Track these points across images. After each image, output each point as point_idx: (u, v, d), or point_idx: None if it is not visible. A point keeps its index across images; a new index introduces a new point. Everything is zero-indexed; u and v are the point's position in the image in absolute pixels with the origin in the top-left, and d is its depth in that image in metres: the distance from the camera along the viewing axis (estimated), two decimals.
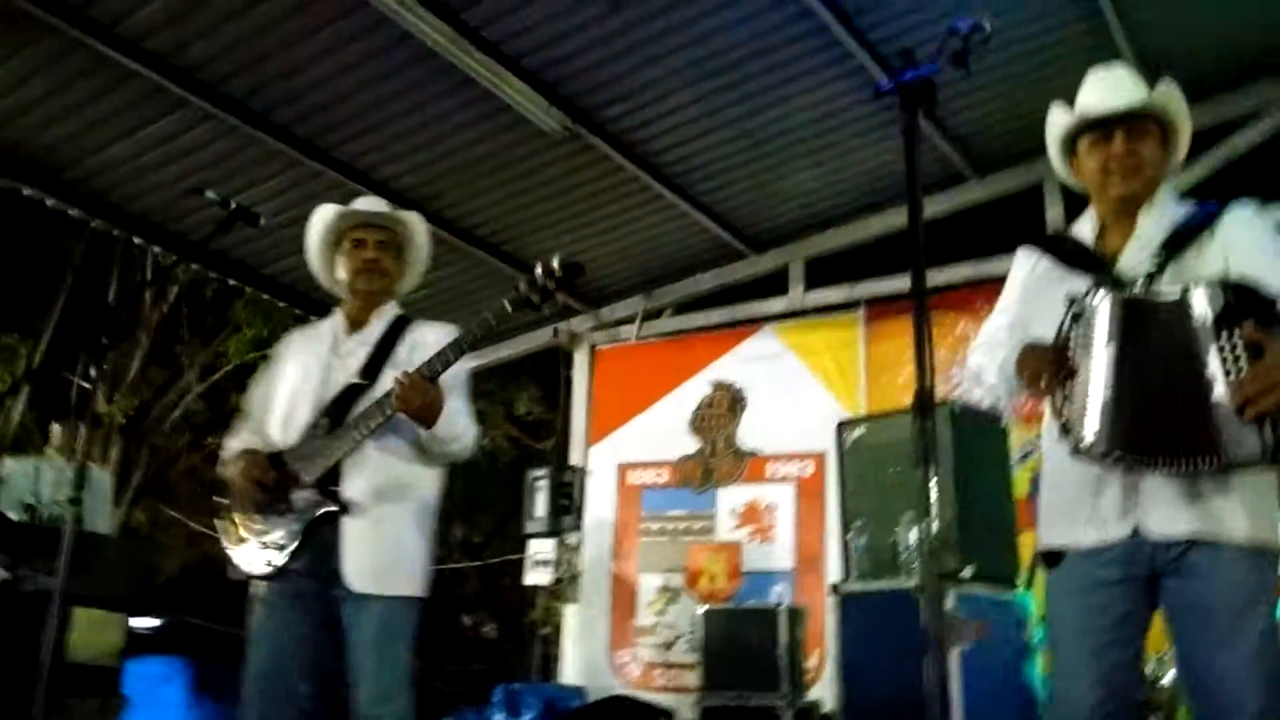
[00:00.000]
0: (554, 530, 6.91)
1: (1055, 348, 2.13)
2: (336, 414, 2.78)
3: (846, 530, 4.37)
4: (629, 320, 7.33)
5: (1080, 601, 2.16)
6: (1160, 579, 2.11)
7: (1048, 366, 2.13)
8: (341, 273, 3.00)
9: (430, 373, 2.67)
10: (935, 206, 5.94)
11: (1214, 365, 1.97)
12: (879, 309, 6.37)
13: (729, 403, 6.70)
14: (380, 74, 4.98)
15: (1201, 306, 2.00)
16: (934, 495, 1.65)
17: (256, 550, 2.76)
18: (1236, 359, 1.95)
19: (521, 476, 7.27)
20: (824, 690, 4.82)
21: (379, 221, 3.00)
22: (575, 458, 7.21)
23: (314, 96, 5.12)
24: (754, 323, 6.87)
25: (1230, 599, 2.02)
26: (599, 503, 6.91)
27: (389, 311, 3.00)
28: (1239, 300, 1.98)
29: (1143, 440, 2.03)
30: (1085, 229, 2.37)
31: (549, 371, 9.34)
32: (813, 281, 6.77)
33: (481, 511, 13.84)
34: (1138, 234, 2.26)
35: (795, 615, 4.79)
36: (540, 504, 6.96)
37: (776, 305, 6.86)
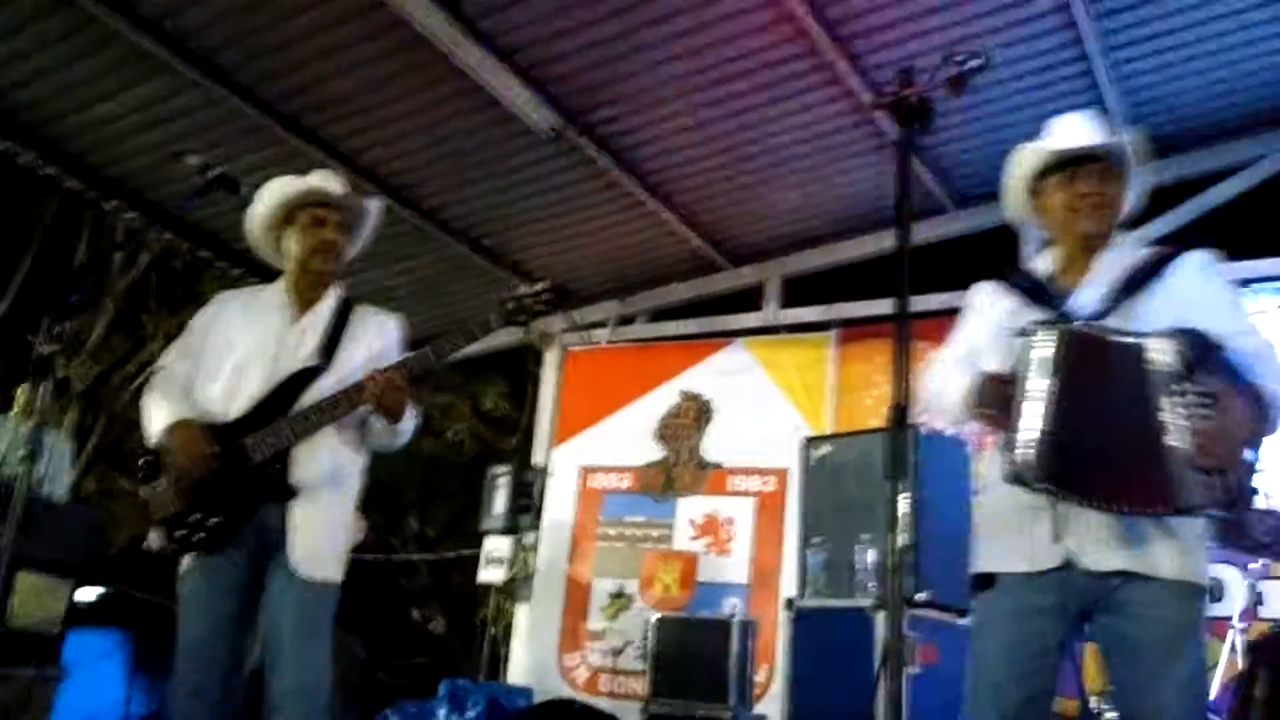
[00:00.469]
0: (511, 528, 6.89)
1: (1005, 379, 2.18)
2: (289, 394, 2.77)
3: (805, 546, 4.38)
4: (602, 324, 7.33)
5: (1012, 625, 2.19)
6: (1092, 614, 2.17)
7: (998, 397, 2.17)
8: (293, 247, 2.92)
9: (411, 373, 2.71)
10: (915, 235, 5.95)
11: (1168, 414, 1.99)
12: (851, 331, 6.42)
13: (696, 413, 6.71)
14: (372, 57, 4.95)
15: (1160, 355, 2.03)
16: (903, 510, 1.66)
17: (189, 524, 2.72)
18: (1191, 410, 1.98)
19: (482, 472, 7.24)
20: (771, 705, 4.83)
21: (346, 204, 2.96)
22: (538, 457, 7.19)
23: (303, 74, 5.09)
24: (726, 336, 6.89)
25: (1162, 635, 2.08)
26: (558, 504, 6.90)
27: (335, 291, 2.98)
28: (1197, 351, 2.02)
29: (1083, 477, 2.07)
30: (1043, 266, 2.43)
31: (518, 369, 9.32)
32: (788, 299, 6.81)
33: (439, 505, 13.75)
34: (1093, 274, 2.31)
35: (747, 628, 4.79)
36: (499, 501, 6.94)
37: (750, 320, 6.89)
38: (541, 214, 6.30)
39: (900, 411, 1.80)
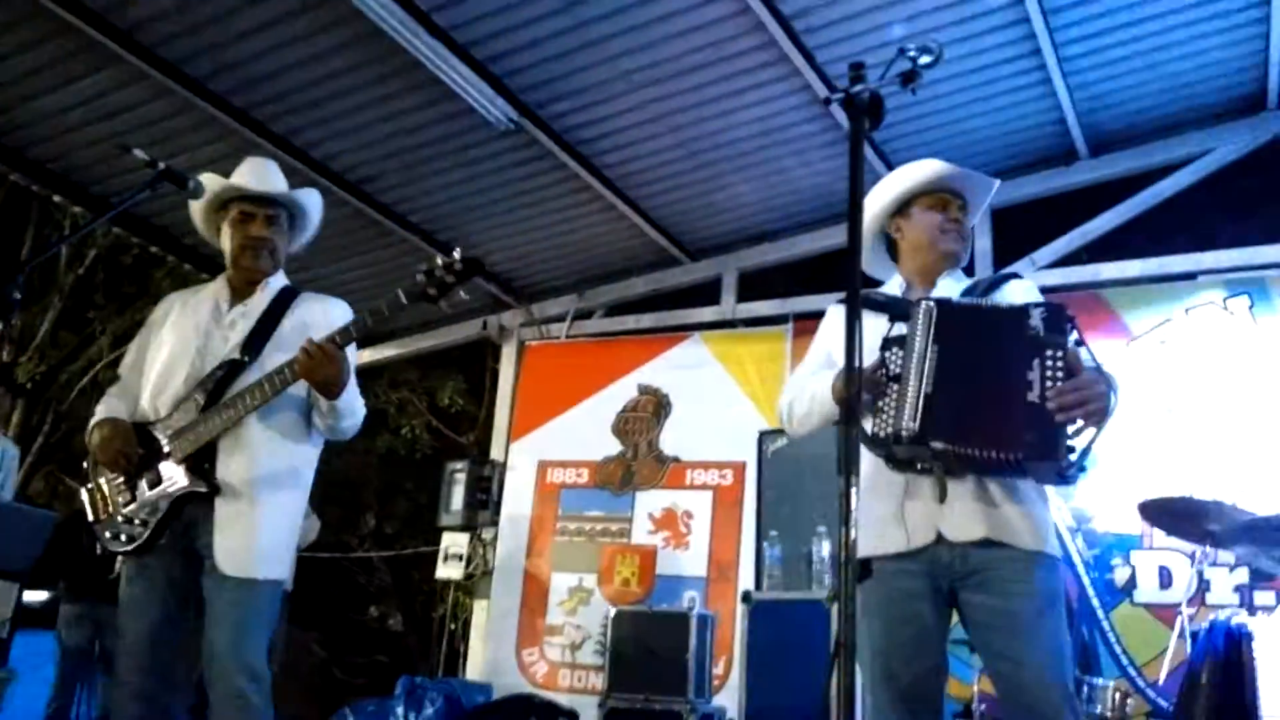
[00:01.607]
0: (469, 524, 6.86)
1: (871, 367, 2.30)
2: (214, 390, 2.67)
3: (762, 539, 4.41)
4: (559, 318, 7.33)
5: (892, 613, 2.31)
6: (958, 593, 2.31)
7: (865, 383, 2.26)
8: (225, 243, 2.87)
9: (342, 341, 2.57)
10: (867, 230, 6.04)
11: (1035, 372, 2.17)
12: (807, 325, 6.44)
13: (654, 407, 6.72)
14: (326, 50, 4.90)
15: (1036, 321, 2.22)
16: (855, 502, 1.68)
17: (120, 524, 2.67)
18: (1057, 371, 2.16)
19: (440, 468, 7.20)
20: (729, 696, 4.85)
21: (271, 199, 2.87)
22: (496, 452, 7.17)
23: (256, 67, 5.02)
24: (683, 330, 6.91)
25: (1028, 605, 2.23)
26: (517, 499, 6.88)
27: (276, 282, 2.88)
28: (1066, 324, 2.21)
29: (961, 428, 2.22)
30: (893, 288, 2.65)
31: (475, 364, 9.28)
32: (744, 293, 6.85)
33: (396, 502, 13.66)
34: (938, 290, 2.52)
35: (705, 621, 4.81)
36: (457, 497, 6.91)
37: (707, 314, 6.91)
38: (499, 208, 6.27)
39: (850, 407, 1.81)
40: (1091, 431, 2.16)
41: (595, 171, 5.91)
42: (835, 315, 2.67)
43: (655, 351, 6.88)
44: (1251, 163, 5.73)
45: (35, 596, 6.83)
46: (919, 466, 2.29)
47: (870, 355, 2.31)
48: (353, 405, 2.71)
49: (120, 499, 2.69)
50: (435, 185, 6.01)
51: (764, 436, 4.73)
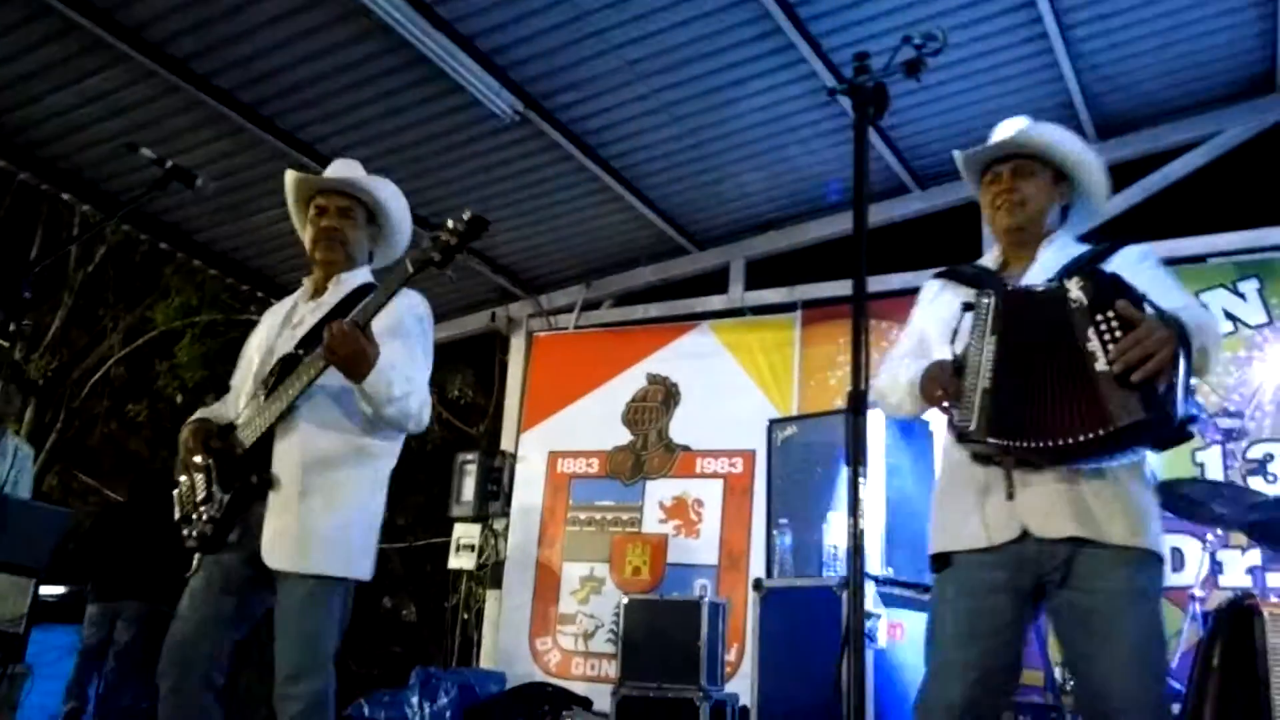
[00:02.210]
0: (481, 515, 6.89)
1: (954, 363, 2.23)
2: (273, 385, 2.68)
3: (772, 527, 4.42)
4: (568, 309, 7.34)
5: (968, 604, 2.22)
6: (1045, 587, 2.19)
7: (946, 381, 2.22)
8: (306, 240, 2.92)
9: (361, 320, 2.52)
10: (876, 215, 6.05)
11: (1094, 342, 2.03)
12: (815, 312, 6.46)
13: (663, 397, 6.74)
14: (331, 45, 4.91)
15: (1077, 292, 2.09)
16: (864, 492, 1.68)
17: (195, 522, 2.69)
18: (1114, 333, 2.02)
19: (450, 460, 7.23)
20: (741, 684, 4.87)
21: (338, 188, 2.89)
22: (506, 443, 7.19)
23: (262, 63, 5.03)
24: (692, 319, 6.92)
25: (1110, 604, 2.10)
26: (527, 490, 6.90)
27: (354, 279, 2.85)
28: (1111, 285, 2.08)
29: (1022, 423, 2.10)
30: (988, 261, 2.53)
31: (484, 356, 9.28)
32: (752, 282, 6.84)
33: (407, 494, 13.70)
34: (1037, 265, 2.39)
35: (717, 609, 4.82)
36: (468, 488, 6.94)
37: (715, 303, 6.92)
38: (506, 200, 6.28)
39: (858, 396, 1.82)
40: (1169, 378, 1.99)
41: (601, 162, 5.91)
42: (930, 290, 2.57)
43: (664, 341, 6.88)
44: (1261, 144, 5.70)
45: (52, 591, 6.89)
46: (997, 461, 2.20)
47: (949, 334, 2.27)
48: (386, 389, 2.56)
49: (198, 497, 2.71)
50: (442, 179, 6.02)
51: (773, 424, 4.72)
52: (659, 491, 6.52)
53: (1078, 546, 2.13)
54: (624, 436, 6.74)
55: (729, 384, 6.51)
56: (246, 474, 2.65)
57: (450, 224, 2.50)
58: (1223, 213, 5.75)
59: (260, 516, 2.61)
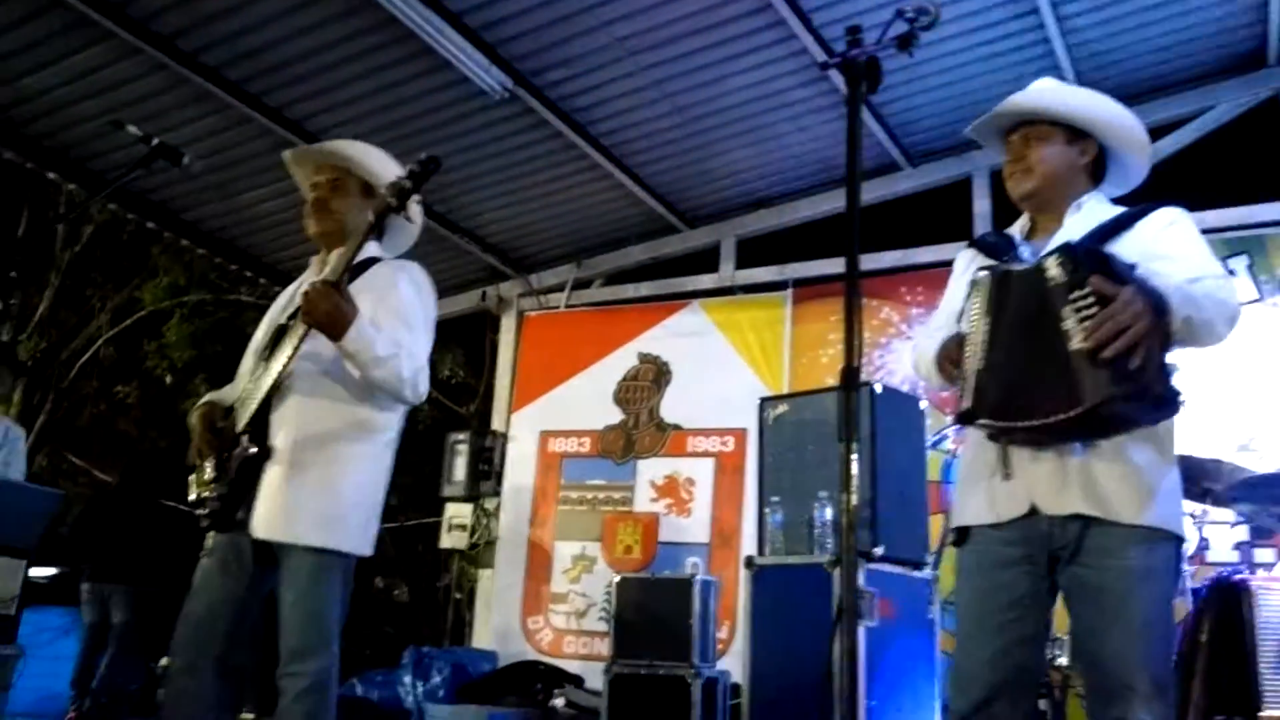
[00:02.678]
0: (472, 495, 6.89)
1: (959, 337, 2.22)
2: (268, 358, 2.66)
3: (764, 505, 4.43)
4: (558, 288, 7.32)
5: (983, 579, 2.23)
6: (1058, 562, 2.18)
7: (955, 354, 2.22)
8: None
9: (332, 278, 2.49)
10: (867, 193, 6.01)
11: (1069, 321, 2.00)
12: (806, 290, 6.45)
13: (654, 375, 6.73)
14: (319, 21, 4.86)
15: (1055, 270, 2.06)
16: (855, 469, 1.68)
17: (205, 500, 2.67)
18: (1090, 309, 1.98)
19: (441, 440, 7.22)
20: (733, 661, 4.88)
21: (317, 160, 2.87)
22: (497, 423, 7.19)
23: (248, 40, 4.98)
24: (683, 298, 6.90)
25: (1119, 579, 2.08)
26: (519, 469, 6.90)
27: (362, 252, 2.75)
28: (1087, 260, 2.04)
29: (1006, 402, 2.10)
30: (1017, 228, 2.47)
31: (474, 335, 9.26)
32: (743, 260, 6.83)
33: (399, 474, 13.69)
34: (1063, 231, 2.33)
35: (708, 587, 4.83)
36: (459, 468, 6.93)
37: (706, 281, 6.91)
38: (495, 178, 6.24)
39: (851, 372, 1.81)
40: (1144, 351, 1.96)
41: (591, 140, 5.88)
42: (962, 261, 2.54)
43: (655, 320, 6.87)
44: (1251, 120, 5.70)
45: (43, 573, 6.88)
46: (1003, 440, 2.19)
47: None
48: (371, 349, 2.52)
49: (207, 476, 2.69)
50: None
51: (764, 403, 4.72)
52: (650, 470, 6.53)
53: (1088, 523, 2.12)
54: (615, 415, 6.74)
55: (720, 363, 6.51)
56: (245, 448, 2.62)
57: (405, 169, 2.55)
58: (1213, 189, 5.74)
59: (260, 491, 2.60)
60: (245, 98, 5.35)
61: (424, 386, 2.68)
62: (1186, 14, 5.10)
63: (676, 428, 6.55)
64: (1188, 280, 2.12)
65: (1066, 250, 2.08)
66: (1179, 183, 5.93)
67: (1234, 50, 5.48)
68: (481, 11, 4.86)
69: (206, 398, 2.83)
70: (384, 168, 2.84)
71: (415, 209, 2.86)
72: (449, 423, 10.60)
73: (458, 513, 6.98)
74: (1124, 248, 2.21)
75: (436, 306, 2.84)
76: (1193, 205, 5.88)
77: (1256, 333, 5.24)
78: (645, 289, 7.12)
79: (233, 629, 2.61)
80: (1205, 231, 5.92)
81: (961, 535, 2.32)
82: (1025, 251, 2.34)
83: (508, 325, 7.44)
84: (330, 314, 2.48)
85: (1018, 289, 2.13)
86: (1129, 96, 5.66)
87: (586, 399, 6.83)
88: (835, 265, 6.32)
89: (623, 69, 5.31)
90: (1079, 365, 1.97)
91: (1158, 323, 1.98)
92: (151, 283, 11.57)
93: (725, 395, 6.35)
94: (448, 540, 7.00)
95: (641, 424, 6.66)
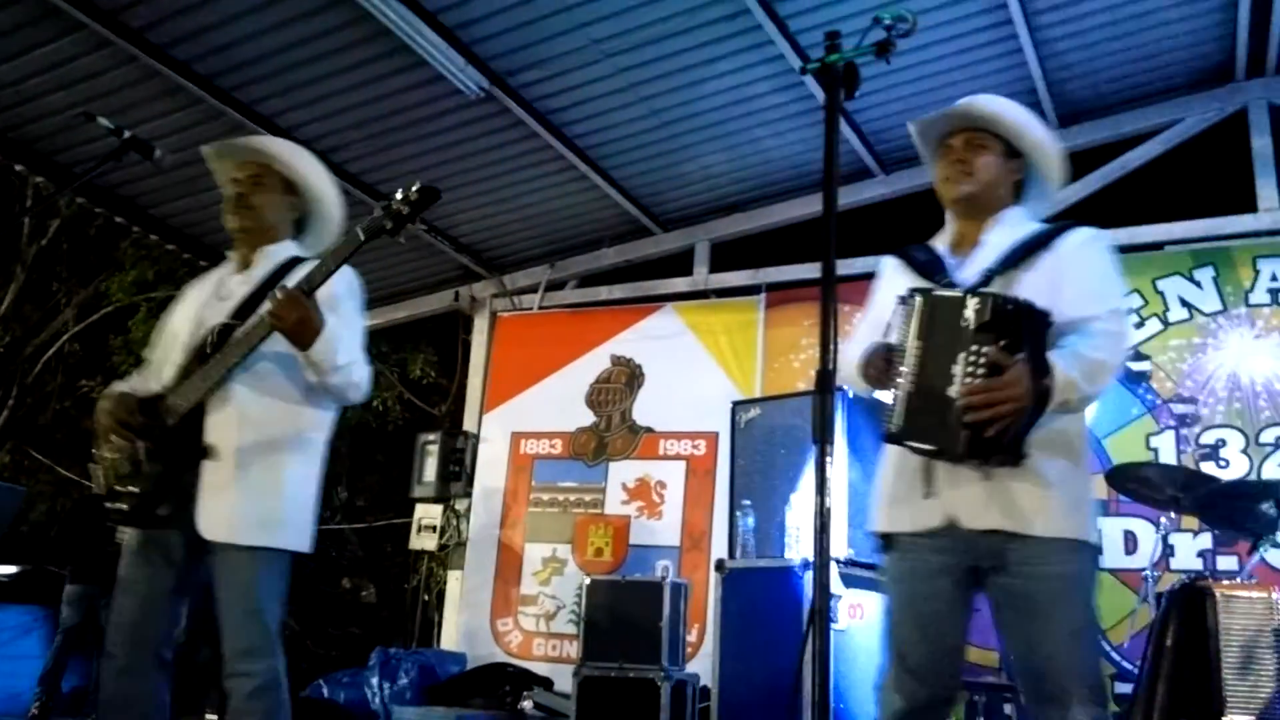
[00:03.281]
0: (443, 496, 6.86)
1: (892, 347, 2.26)
2: (207, 355, 2.62)
3: (735, 509, 4.44)
4: (532, 289, 7.30)
5: (912, 586, 2.27)
6: (980, 571, 2.24)
7: (879, 365, 2.26)
8: None
9: (308, 289, 2.49)
10: (840, 199, 6.02)
11: (959, 367, 2.09)
12: (779, 295, 6.48)
13: (627, 378, 6.73)
14: (292, 17, 4.82)
15: (969, 313, 2.11)
16: (830, 471, 1.68)
17: (120, 494, 2.62)
18: (975, 369, 2.06)
19: (412, 440, 7.18)
20: (703, 664, 4.89)
21: (239, 156, 2.83)
22: (469, 424, 7.16)
23: (219, 35, 4.93)
24: (656, 300, 6.91)
25: (1046, 589, 2.15)
26: (490, 470, 6.88)
27: (281, 251, 2.81)
28: (1002, 317, 2.09)
29: (913, 426, 2.17)
30: (940, 241, 2.52)
31: (447, 336, 9.22)
32: (716, 264, 6.85)
33: (367, 474, 13.61)
34: (983, 248, 2.39)
35: (679, 589, 4.84)
36: (430, 469, 6.89)
37: (679, 284, 6.92)
38: (469, 177, 6.22)
39: (826, 375, 1.82)
40: (1004, 430, 2.07)
41: (567, 141, 5.87)
42: (887, 269, 2.57)
43: (628, 322, 6.87)
44: (1219, 134, 5.78)
45: (5, 570, 6.79)
46: (927, 457, 2.24)
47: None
48: (332, 356, 2.55)
49: (122, 469, 2.64)
50: (404, 155, 5.95)
51: (736, 406, 4.74)
52: (622, 473, 6.53)
53: (1009, 537, 2.18)
54: (587, 418, 6.73)
55: (692, 366, 6.52)
56: (180, 445, 2.58)
57: (400, 194, 2.51)
58: (1180, 201, 5.83)
59: (192, 488, 2.55)
60: (217, 93, 5.29)
61: (367, 388, 2.72)
62: (1157, 28, 5.17)
63: (649, 430, 6.55)
64: (1082, 319, 2.19)
65: (990, 301, 2.12)
66: (1147, 194, 6.03)
67: (1203, 64, 5.56)
68: (458, 10, 4.84)
69: (117, 388, 2.76)
70: (305, 165, 2.85)
71: (331, 198, 2.88)
72: (420, 423, 10.54)
73: (428, 514, 6.94)
74: (1041, 266, 2.29)
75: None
76: (1160, 217, 5.94)
77: (1222, 343, 5.32)
78: (619, 291, 7.12)
79: (168, 625, 2.60)
80: (1172, 243, 6.00)
81: (888, 541, 2.36)
82: (954, 269, 2.38)
83: (480, 326, 7.42)
84: (302, 322, 2.49)
85: (941, 315, 2.18)
86: (1099, 108, 5.76)
87: (559, 401, 6.82)
88: (808, 270, 6.35)
89: (599, 71, 5.31)
90: (952, 411, 2.07)
91: (1034, 408, 2.08)
92: (118, 277, 11.41)
93: (698, 398, 6.37)
94: (417, 541, 6.96)
95: (614, 426, 6.65)
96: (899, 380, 2.18)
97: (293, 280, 2.60)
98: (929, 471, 2.23)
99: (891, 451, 2.35)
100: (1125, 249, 5.72)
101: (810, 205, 6.41)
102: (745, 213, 6.73)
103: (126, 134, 2.82)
